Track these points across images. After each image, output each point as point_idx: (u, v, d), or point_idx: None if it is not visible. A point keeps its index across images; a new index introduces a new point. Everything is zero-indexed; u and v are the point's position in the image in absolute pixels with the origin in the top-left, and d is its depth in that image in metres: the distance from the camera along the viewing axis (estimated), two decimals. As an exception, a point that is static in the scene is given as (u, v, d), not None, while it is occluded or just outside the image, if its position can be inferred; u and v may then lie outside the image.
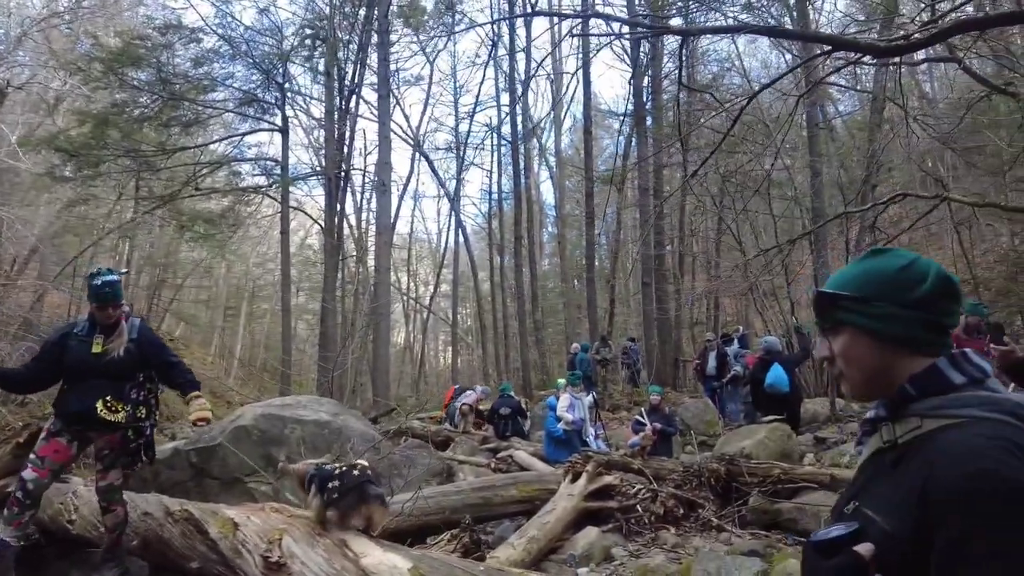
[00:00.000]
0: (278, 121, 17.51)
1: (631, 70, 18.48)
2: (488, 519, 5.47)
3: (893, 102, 11.80)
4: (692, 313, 19.20)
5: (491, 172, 25.80)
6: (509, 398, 10.33)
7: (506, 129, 23.17)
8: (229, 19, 17.40)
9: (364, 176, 23.81)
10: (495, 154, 25.05)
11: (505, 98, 22.87)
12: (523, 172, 21.29)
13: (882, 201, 5.40)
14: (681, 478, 6.07)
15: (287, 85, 18.07)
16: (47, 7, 20.12)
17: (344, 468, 3.20)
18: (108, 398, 3.66)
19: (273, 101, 17.57)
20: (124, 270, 3.85)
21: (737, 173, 12.31)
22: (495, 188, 25.38)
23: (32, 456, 3.66)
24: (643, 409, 8.29)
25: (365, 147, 26.59)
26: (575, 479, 5.70)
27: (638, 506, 5.60)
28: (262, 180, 18.02)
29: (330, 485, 3.08)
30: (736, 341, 11.81)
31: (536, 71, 22.95)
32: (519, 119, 21.39)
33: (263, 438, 5.09)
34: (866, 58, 6.71)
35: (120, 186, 17.33)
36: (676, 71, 18.17)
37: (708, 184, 13.06)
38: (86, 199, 17.59)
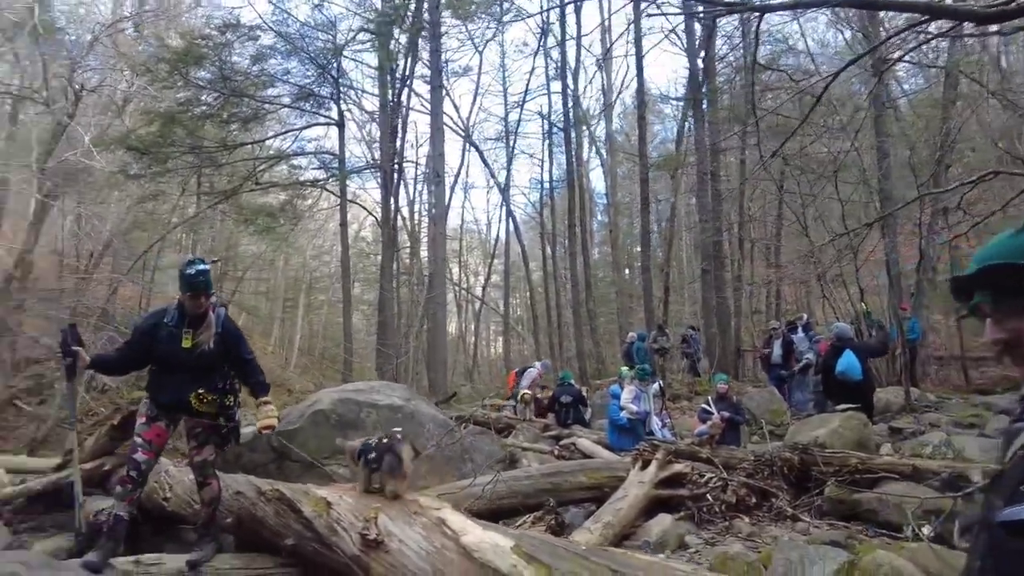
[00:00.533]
0: (334, 115, 17.84)
1: (684, 53, 18.10)
2: (556, 504, 5.51)
3: (970, 77, 11.23)
4: (752, 301, 18.77)
5: (542, 161, 25.75)
6: (570, 386, 10.31)
7: (556, 117, 23.11)
8: (285, 15, 17.77)
9: (416, 168, 24.08)
10: (546, 143, 25.00)
11: (555, 86, 22.76)
12: (575, 160, 21.15)
13: (970, 180, 5.11)
14: (752, 467, 5.97)
15: (341, 79, 18.37)
16: (114, 12, 20.97)
17: (378, 439, 3.75)
18: (200, 391, 3.84)
19: (328, 95, 17.89)
20: (215, 259, 3.98)
21: (800, 155, 11.92)
22: (546, 177, 25.35)
23: (139, 440, 3.85)
24: (709, 398, 8.18)
25: (417, 139, 26.89)
26: (644, 467, 5.68)
27: (709, 495, 5.55)
28: (320, 174, 18.41)
29: (370, 455, 3.61)
30: (800, 328, 11.50)
31: (603, 55, 22.71)
32: (570, 106, 21.24)
33: (340, 422, 5.23)
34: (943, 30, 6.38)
35: (184, 182, 17.97)
36: (732, 52, 17.77)
37: (769, 167, 12.70)
38: (155, 195, 18.33)
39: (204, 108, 16.60)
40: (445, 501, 3.37)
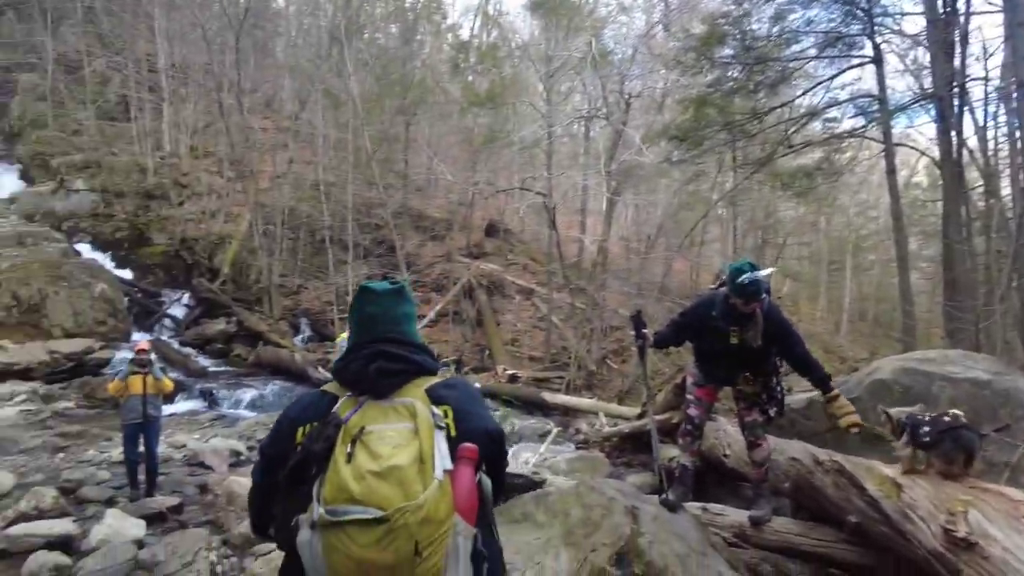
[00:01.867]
0: (868, 52, 15.86)
1: None
2: None
3: None
4: None
5: None
6: None
7: None
8: (803, -40, 16.67)
9: (986, 85, 19.24)
10: None
11: None
12: None
13: None
14: None
15: (873, 9, 16.15)
16: (647, 22, 23.77)
17: (936, 415, 3.20)
18: (747, 375, 4.01)
19: (860, 31, 16.02)
20: (772, 269, 4.01)
21: None
22: None
23: (691, 397, 4.24)
24: None
25: (984, 48, 21.54)
26: None
27: None
28: (858, 121, 16.70)
29: (922, 431, 3.10)
30: None
31: None
32: None
33: (905, 395, 4.59)
34: None
35: (720, 159, 18.99)
36: None
37: None
38: (696, 176, 20.03)
39: (731, 84, 17.06)
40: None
